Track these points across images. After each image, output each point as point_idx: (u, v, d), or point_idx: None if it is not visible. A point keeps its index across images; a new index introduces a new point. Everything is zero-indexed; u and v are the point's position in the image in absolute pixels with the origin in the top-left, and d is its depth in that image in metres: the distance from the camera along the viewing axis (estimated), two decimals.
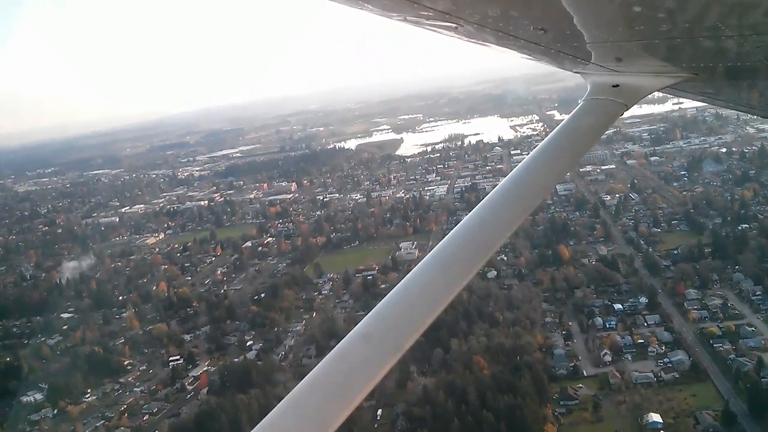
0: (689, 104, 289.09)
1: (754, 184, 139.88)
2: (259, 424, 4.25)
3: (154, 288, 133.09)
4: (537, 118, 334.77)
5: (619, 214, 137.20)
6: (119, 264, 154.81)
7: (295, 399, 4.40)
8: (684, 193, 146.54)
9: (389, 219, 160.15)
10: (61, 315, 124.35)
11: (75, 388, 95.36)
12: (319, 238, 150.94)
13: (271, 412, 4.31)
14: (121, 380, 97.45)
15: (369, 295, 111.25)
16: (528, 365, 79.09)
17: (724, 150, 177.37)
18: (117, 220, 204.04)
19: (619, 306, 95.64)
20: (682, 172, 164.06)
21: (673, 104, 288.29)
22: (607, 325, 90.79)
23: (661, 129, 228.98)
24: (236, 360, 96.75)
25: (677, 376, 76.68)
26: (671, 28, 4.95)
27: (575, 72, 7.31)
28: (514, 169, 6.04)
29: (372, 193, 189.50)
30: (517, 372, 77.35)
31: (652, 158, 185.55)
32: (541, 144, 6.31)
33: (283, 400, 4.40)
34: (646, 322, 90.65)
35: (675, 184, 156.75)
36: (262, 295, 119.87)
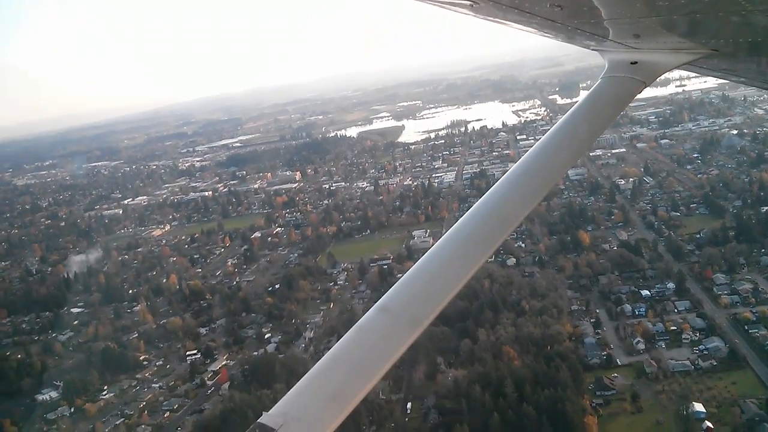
0: (694, 86, 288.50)
1: None
2: (282, 399, 4.42)
3: (165, 281, 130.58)
4: (539, 103, 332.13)
5: (636, 198, 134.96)
6: (126, 257, 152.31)
7: (318, 373, 4.57)
8: (699, 176, 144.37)
9: (399, 207, 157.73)
10: (72, 310, 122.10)
11: (91, 385, 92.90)
12: (329, 228, 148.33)
13: (294, 387, 4.49)
14: (138, 376, 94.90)
15: (386, 285, 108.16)
16: (560, 355, 76.89)
17: (735, 132, 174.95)
18: (120, 212, 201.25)
19: (647, 292, 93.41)
20: (695, 155, 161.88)
21: (677, 86, 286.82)
22: (637, 312, 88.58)
23: (668, 111, 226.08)
24: (256, 353, 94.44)
25: (715, 363, 74.48)
26: (690, 3, 4.94)
27: (593, 49, 7.43)
28: (533, 147, 6.23)
29: (379, 181, 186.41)
30: (550, 362, 75.23)
31: (663, 141, 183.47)
32: (559, 121, 6.43)
33: (305, 375, 4.57)
34: (676, 308, 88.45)
35: (689, 167, 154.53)
36: (277, 286, 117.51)
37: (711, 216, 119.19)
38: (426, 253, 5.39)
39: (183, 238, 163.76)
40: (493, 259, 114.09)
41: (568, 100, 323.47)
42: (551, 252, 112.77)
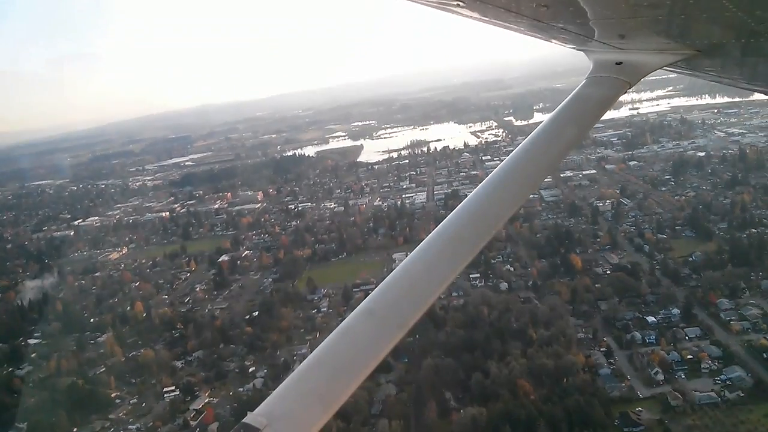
0: (647, 109, 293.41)
1: (747, 187, 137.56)
2: (267, 398, 4.45)
3: (129, 308, 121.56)
4: (496, 124, 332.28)
5: (619, 220, 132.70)
6: (84, 282, 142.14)
7: (303, 373, 4.61)
8: (677, 197, 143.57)
9: (374, 229, 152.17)
10: (28, 341, 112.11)
11: (59, 427, 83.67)
12: (304, 251, 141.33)
13: (279, 387, 4.53)
14: (112, 416, 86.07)
15: None
16: (578, 388, 72.57)
17: (702, 154, 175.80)
18: (72, 233, 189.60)
19: (653, 319, 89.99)
20: (667, 177, 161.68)
21: (630, 109, 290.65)
22: (647, 340, 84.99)
23: (629, 134, 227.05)
24: (242, 389, 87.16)
25: (742, 394, 71.06)
26: (675, 4, 5.10)
27: (578, 49, 7.41)
28: (518, 146, 6.37)
29: (348, 202, 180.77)
30: (568, 396, 70.82)
31: (631, 163, 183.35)
32: (544, 121, 6.56)
33: (290, 375, 4.61)
34: (686, 335, 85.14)
35: (663, 188, 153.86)
36: (255, 314, 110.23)
37: (698, 238, 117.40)
38: (410, 254, 5.43)
39: (143, 261, 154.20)
40: (483, 283, 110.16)
41: (525, 122, 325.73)
42: (543, 276, 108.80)
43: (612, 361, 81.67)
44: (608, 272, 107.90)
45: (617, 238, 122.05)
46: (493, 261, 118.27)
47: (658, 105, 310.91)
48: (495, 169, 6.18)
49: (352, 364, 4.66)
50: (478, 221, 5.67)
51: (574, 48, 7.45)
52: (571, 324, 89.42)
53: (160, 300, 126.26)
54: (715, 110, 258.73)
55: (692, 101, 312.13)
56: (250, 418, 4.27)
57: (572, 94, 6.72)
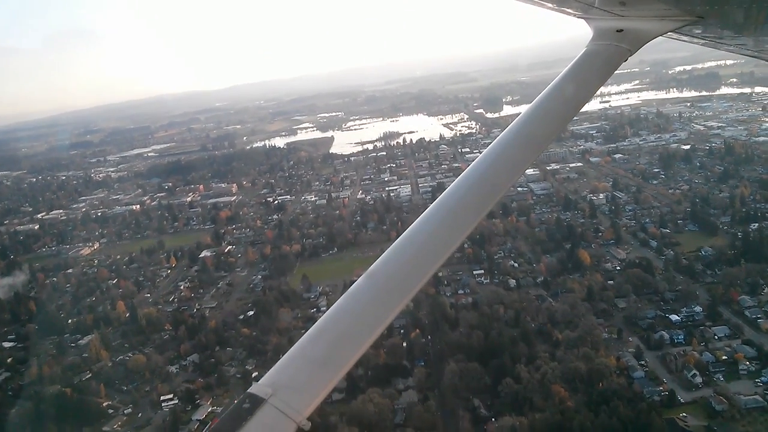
0: (620, 102, 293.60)
1: (742, 181, 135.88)
2: (272, 368, 4.53)
3: (111, 308, 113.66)
4: (467, 116, 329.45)
5: (618, 214, 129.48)
6: (56, 280, 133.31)
7: (307, 342, 4.65)
8: (671, 191, 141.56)
9: (362, 223, 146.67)
10: (2, 344, 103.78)
11: None
12: (292, 246, 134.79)
13: (283, 356, 4.56)
14: (106, 429, 78.85)
15: None
16: (616, 393, 68.44)
17: (687, 147, 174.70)
18: (37, 227, 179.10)
19: (676, 317, 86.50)
20: (656, 170, 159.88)
21: (601, 102, 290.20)
22: (675, 340, 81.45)
23: (607, 126, 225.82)
24: None
25: None
26: None
27: (579, 17, 7.28)
28: (522, 113, 6.49)
29: (330, 195, 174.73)
30: (607, 402, 66.70)
31: (616, 156, 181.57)
32: (546, 89, 6.55)
33: (295, 344, 4.65)
34: (715, 334, 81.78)
35: (655, 182, 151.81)
36: (250, 313, 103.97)
37: (702, 233, 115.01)
38: (414, 223, 5.50)
39: (118, 257, 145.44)
40: (489, 280, 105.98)
41: (496, 114, 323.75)
42: (552, 273, 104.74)
43: (643, 363, 77.73)
44: (618, 268, 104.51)
45: (620, 233, 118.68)
46: (495, 257, 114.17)
47: (628, 98, 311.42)
48: (498, 137, 6.25)
49: (356, 332, 4.67)
50: (482, 187, 5.73)
51: (574, 15, 7.25)
52: (594, 324, 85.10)
53: (142, 299, 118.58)
54: (688, 103, 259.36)
55: (661, 95, 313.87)
56: (255, 388, 4.33)
57: (573, 61, 6.70)
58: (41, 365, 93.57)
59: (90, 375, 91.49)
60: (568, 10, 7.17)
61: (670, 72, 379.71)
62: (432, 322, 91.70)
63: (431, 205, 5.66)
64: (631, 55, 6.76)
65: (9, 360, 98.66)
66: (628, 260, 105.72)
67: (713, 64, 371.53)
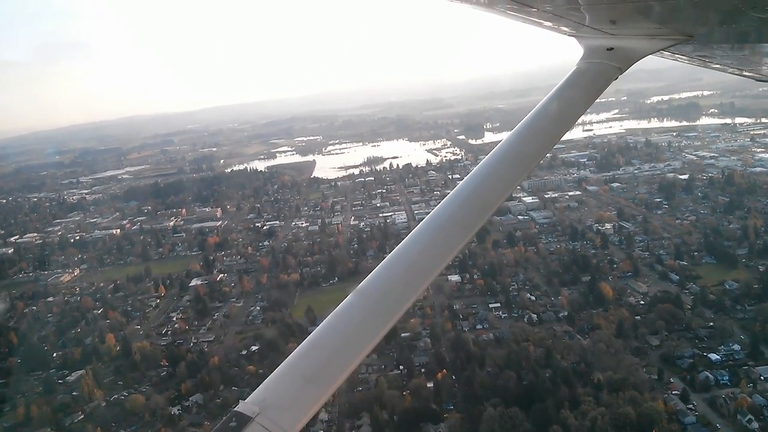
0: (604, 131, 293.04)
1: (749, 212, 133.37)
2: (259, 386, 4.42)
3: (99, 341, 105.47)
4: (449, 142, 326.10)
5: (631, 245, 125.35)
6: (35, 309, 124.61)
7: (296, 359, 4.57)
8: (678, 221, 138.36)
9: (361, 250, 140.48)
10: None
11: None
12: (289, 275, 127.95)
13: (271, 374, 4.49)
14: None
15: (396, 347, 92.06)
16: None
17: (684, 177, 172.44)
18: (11, 251, 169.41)
19: (716, 356, 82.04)
20: (657, 199, 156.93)
21: (584, 130, 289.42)
22: (720, 381, 76.80)
23: (596, 155, 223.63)
24: None
25: None
26: None
27: (569, 35, 7.27)
28: (512, 131, 6.44)
29: (322, 221, 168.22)
30: None
31: (614, 184, 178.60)
32: (537, 106, 6.58)
33: (283, 362, 4.56)
34: (761, 375, 77.30)
35: (659, 211, 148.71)
36: (253, 348, 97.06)
37: (721, 265, 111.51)
38: (405, 239, 5.47)
39: (101, 284, 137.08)
40: (507, 314, 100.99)
41: (479, 141, 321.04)
42: (575, 307, 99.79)
43: (691, 406, 72.78)
44: (642, 302, 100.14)
45: (637, 265, 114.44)
46: (510, 289, 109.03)
47: (611, 127, 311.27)
48: (489, 154, 6.23)
49: (345, 349, 4.59)
50: (472, 204, 5.71)
51: (565, 33, 7.24)
52: (633, 363, 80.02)
53: (132, 331, 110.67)
54: (674, 133, 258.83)
55: (644, 124, 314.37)
56: (241, 407, 4.23)
57: (564, 79, 6.72)
58: (28, 404, 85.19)
59: (83, 416, 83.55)
60: (563, 29, 7.03)
61: (648, 102, 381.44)
62: (456, 360, 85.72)
63: (422, 221, 5.67)
64: (621, 74, 6.78)
65: None
66: (654, 294, 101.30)
67: (690, 94, 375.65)
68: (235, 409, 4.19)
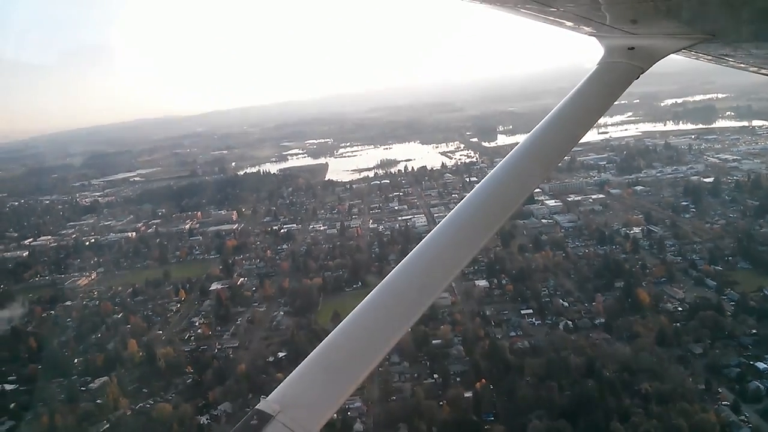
0: (619, 134, 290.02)
1: None
2: (280, 384, 4.50)
3: (121, 347, 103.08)
4: (463, 145, 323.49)
5: (662, 250, 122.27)
6: (53, 313, 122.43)
7: (316, 359, 4.61)
8: (707, 225, 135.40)
9: (384, 254, 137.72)
10: (5, 386, 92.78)
11: None
12: (313, 279, 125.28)
13: (292, 373, 4.57)
14: None
15: (427, 354, 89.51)
16: None
17: (709, 180, 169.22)
18: (26, 254, 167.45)
19: (763, 365, 79.14)
20: (684, 203, 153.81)
21: (599, 133, 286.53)
22: None
23: (616, 158, 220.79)
24: None
25: None
26: None
27: (590, 35, 7.19)
28: (533, 130, 6.34)
29: (341, 224, 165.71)
30: None
31: (638, 187, 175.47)
32: (557, 106, 6.50)
33: (303, 361, 4.63)
34: None
35: (686, 215, 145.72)
36: (281, 355, 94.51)
37: (757, 271, 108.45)
38: (425, 238, 5.47)
39: (119, 288, 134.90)
40: (541, 321, 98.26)
41: (493, 143, 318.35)
42: (611, 313, 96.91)
43: (744, 418, 70.00)
44: (680, 309, 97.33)
45: (671, 270, 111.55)
46: (541, 294, 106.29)
47: (626, 130, 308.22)
48: (508, 154, 6.17)
49: (365, 349, 4.62)
50: (492, 205, 5.69)
51: (585, 33, 7.18)
52: (681, 373, 77.21)
53: (155, 336, 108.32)
54: (692, 136, 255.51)
55: (660, 127, 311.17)
56: (263, 405, 4.27)
57: (584, 79, 6.66)
58: (52, 413, 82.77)
59: (108, 425, 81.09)
60: (584, 28, 6.95)
61: (662, 104, 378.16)
62: (493, 368, 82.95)
63: (443, 220, 5.62)
64: (642, 73, 6.68)
65: (12, 405, 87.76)
66: (693, 301, 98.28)
67: (704, 97, 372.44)
68: (257, 407, 4.17)
